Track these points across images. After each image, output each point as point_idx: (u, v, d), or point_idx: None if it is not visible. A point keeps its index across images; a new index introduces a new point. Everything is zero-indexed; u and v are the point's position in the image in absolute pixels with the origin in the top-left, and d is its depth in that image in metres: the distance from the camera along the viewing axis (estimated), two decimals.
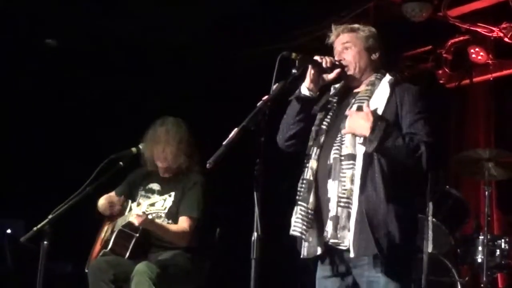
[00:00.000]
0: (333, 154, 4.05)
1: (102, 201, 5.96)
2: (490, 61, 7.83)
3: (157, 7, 7.59)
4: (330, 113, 4.20)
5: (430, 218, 6.01)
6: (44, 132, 7.92)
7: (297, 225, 4.05)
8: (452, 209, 6.78)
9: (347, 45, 4.23)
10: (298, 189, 4.12)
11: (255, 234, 3.65)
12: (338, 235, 3.95)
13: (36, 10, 7.48)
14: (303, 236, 4.04)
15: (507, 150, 6.74)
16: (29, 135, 7.83)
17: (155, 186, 5.92)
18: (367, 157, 3.94)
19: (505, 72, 7.88)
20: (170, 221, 5.67)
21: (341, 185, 3.98)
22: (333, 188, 4.01)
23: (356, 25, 4.31)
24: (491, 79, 7.95)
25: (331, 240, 3.98)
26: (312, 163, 4.10)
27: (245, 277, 3.78)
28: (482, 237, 6.47)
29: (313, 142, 4.17)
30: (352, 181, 3.95)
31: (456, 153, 7.46)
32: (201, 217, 5.69)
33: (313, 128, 4.20)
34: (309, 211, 4.03)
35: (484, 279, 6.33)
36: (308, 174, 4.10)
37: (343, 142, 4.04)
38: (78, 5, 7.49)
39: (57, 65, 7.98)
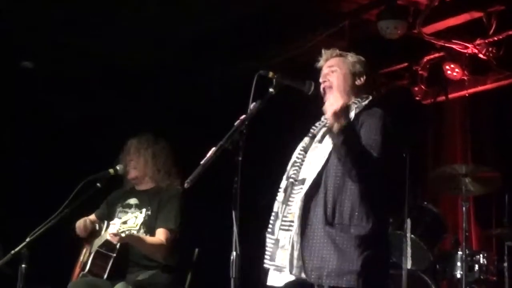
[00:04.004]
0: (290, 178, 4.09)
1: (78, 223, 5.93)
2: (465, 77, 7.86)
3: (134, 28, 7.58)
4: (306, 141, 4.25)
5: (408, 234, 6.01)
6: (20, 154, 7.87)
7: (266, 257, 4.12)
8: (430, 225, 6.78)
9: (333, 68, 4.29)
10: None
11: (234, 253, 3.65)
12: (277, 257, 4.01)
13: (12, 32, 7.46)
14: (271, 267, 4.09)
15: (483, 165, 6.78)
16: (4, 158, 7.78)
17: (133, 200, 5.91)
18: (316, 181, 3.98)
19: (480, 88, 7.92)
20: (148, 235, 5.66)
21: (288, 208, 4.03)
22: (281, 212, 4.05)
23: (346, 52, 4.37)
24: (467, 95, 7.98)
25: (270, 262, 4.05)
26: (279, 196, 4.16)
27: None
28: (461, 252, 6.48)
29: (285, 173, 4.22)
30: (297, 205, 3.99)
31: (433, 169, 7.51)
32: (178, 230, 5.68)
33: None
34: (273, 241, 4.09)
35: None
36: (276, 207, 4.16)
37: (301, 166, 4.09)
38: (52, 26, 7.46)
39: (33, 87, 7.94)
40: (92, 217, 6.04)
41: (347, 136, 3.86)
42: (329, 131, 3.97)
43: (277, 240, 4.03)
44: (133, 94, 8.40)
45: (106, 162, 5.74)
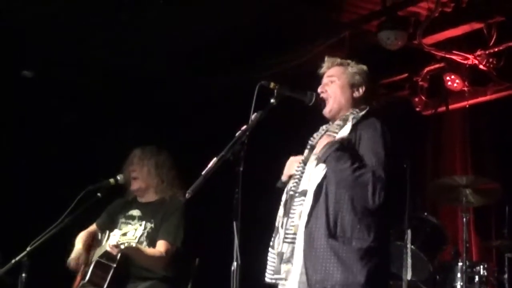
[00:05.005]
0: (290, 191, 4.10)
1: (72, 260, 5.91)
2: (465, 88, 7.88)
3: (134, 36, 7.58)
4: (305, 154, 4.24)
5: (408, 245, 6.00)
6: (21, 163, 7.87)
7: (268, 271, 4.13)
8: (430, 236, 6.77)
9: (332, 79, 4.29)
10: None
11: (234, 263, 3.65)
12: (282, 271, 4.00)
13: (12, 41, 7.46)
14: (272, 282, 4.09)
15: (483, 176, 6.78)
16: (5, 167, 7.77)
17: (136, 212, 5.91)
18: (317, 193, 3.97)
19: (480, 99, 7.93)
20: (151, 247, 5.66)
21: (290, 221, 4.03)
22: (283, 225, 4.05)
23: (347, 61, 4.36)
24: (467, 106, 7.99)
25: (274, 276, 4.04)
26: (280, 210, 4.17)
27: None
28: (461, 263, 6.48)
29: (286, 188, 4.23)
30: (299, 217, 3.99)
31: (433, 179, 7.51)
32: (179, 243, 5.68)
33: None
34: (275, 255, 4.09)
35: None
36: (277, 221, 4.17)
37: (301, 178, 4.09)
38: (53, 35, 7.47)
39: (33, 95, 7.93)
40: (93, 227, 6.04)
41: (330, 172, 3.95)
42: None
43: (280, 253, 4.03)
44: (134, 102, 8.39)
45: (107, 170, 5.74)
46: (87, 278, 5.63)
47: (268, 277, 4.12)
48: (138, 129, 8.10)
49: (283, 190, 4.24)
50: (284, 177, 4.29)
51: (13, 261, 4.67)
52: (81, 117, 8.19)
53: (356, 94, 4.26)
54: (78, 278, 5.87)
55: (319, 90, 4.28)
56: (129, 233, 5.31)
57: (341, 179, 3.90)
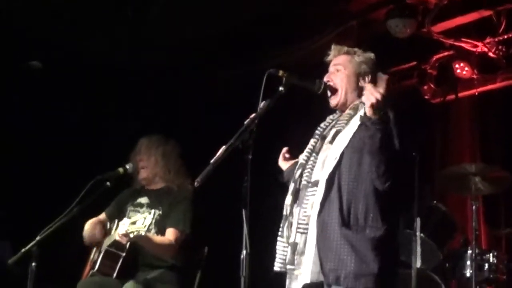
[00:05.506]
0: (303, 181, 4.09)
1: (87, 227, 5.93)
2: (474, 76, 7.85)
3: (142, 29, 7.59)
4: (313, 143, 4.23)
5: (418, 233, 6.00)
6: (30, 152, 7.87)
7: (277, 260, 4.12)
8: (440, 224, 6.77)
9: (338, 67, 4.27)
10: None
11: (244, 251, 3.65)
12: (296, 261, 3.99)
13: (17, 32, 7.48)
14: (282, 270, 4.09)
15: (492, 164, 6.76)
16: (14, 156, 7.78)
17: (144, 199, 5.93)
18: (329, 182, 3.96)
19: (489, 86, 7.90)
20: (159, 234, 5.67)
21: (303, 211, 4.02)
22: (296, 215, 4.05)
23: (354, 49, 4.34)
24: (476, 94, 7.97)
25: (288, 266, 4.03)
26: (287, 199, 4.16)
27: None
28: (470, 251, 6.47)
29: (292, 176, 4.22)
30: (312, 207, 3.98)
31: (441, 168, 7.50)
32: (188, 231, 5.69)
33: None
34: (285, 244, 4.09)
35: None
36: (284, 210, 4.15)
37: (313, 168, 4.08)
38: (55, 27, 7.49)
39: (41, 87, 7.94)
40: (102, 216, 6.05)
41: (382, 128, 3.82)
42: (363, 120, 3.92)
43: (293, 244, 4.02)
44: (142, 93, 8.40)
45: (116, 160, 5.75)
46: (96, 267, 5.65)
47: (278, 266, 4.11)
48: (146, 119, 8.10)
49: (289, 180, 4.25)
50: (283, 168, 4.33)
51: (22, 250, 4.68)
52: (88, 109, 8.19)
53: (361, 84, 4.23)
54: (88, 267, 5.88)
55: (325, 78, 4.26)
56: (138, 222, 5.32)
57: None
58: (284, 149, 4.57)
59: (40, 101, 8.00)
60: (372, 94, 3.77)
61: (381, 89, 3.85)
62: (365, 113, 3.85)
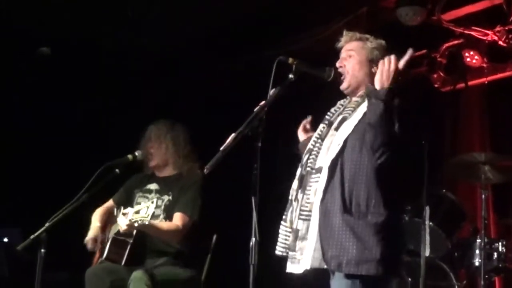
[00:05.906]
0: (307, 167, 4.08)
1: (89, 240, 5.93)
2: (484, 65, 7.82)
3: (152, 16, 7.58)
4: (322, 128, 4.22)
5: (427, 222, 5.99)
6: (40, 139, 7.89)
7: (279, 244, 4.11)
8: (449, 213, 6.76)
9: (350, 53, 4.24)
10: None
11: (253, 239, 3.65)
12: (297, 247, 3.99)
13: (27, 19, 7.48)
14: (283, 255, 4.09)
15: (502, 153, 6.74)
16: (24, 143, 7.80)
17: (153, 186, 5.95)
18: (331, 169, 3.95)
19: (499, 75, 7.87)
20: (167, 220, 5.68)
21: (306, 198, 4.02)
22: (299, 201, 4.05)
23: (366, 36, 4.31)
24: (486, 82, 7.94)
25: (287, 251, 4.04)
26: (294, 184, 4.15)
27: (243, 283, 3.78)
28: (479, 240, 6.46)
29: (300, 161, 4.21)
30: (315, 194, 3.98)
31: (451, 156, 7.48)
32: (196, 216, 5.70)
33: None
34: (288, 229, 4.08)
35: (482, 282, 6.32)
36: (290, 194, 4.15)
37: (318, 154, 4.07)
38: (56, 26, 7.50)
39: (51, 74, 7.95)
40: (109, 203, 6.06)
41: (385, 102, 3.82)
42: (368, 91, 3.93)
43: (295, 230, 4.02)
44: (153, 80, 8.41)
45: (126, 147, 5.75)
46: (104, 255, 5.67)
47: (279, 250, 4.11)
48: (157, 106, 8.11)
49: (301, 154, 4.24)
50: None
51: (32, 236, 4.69)
52: (100, 97, 8.21)
53: (374, 70, 4.19)
54: (97, 254, 5.89)
55: (337, 64, 4.24)
56: (141, 211, 5.34)
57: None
58: (307, 119, 4.51)
59: (53, 86, 8.03)
60: (390, 62, 3.81)
61: (402, 61, 3.89)
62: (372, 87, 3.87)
